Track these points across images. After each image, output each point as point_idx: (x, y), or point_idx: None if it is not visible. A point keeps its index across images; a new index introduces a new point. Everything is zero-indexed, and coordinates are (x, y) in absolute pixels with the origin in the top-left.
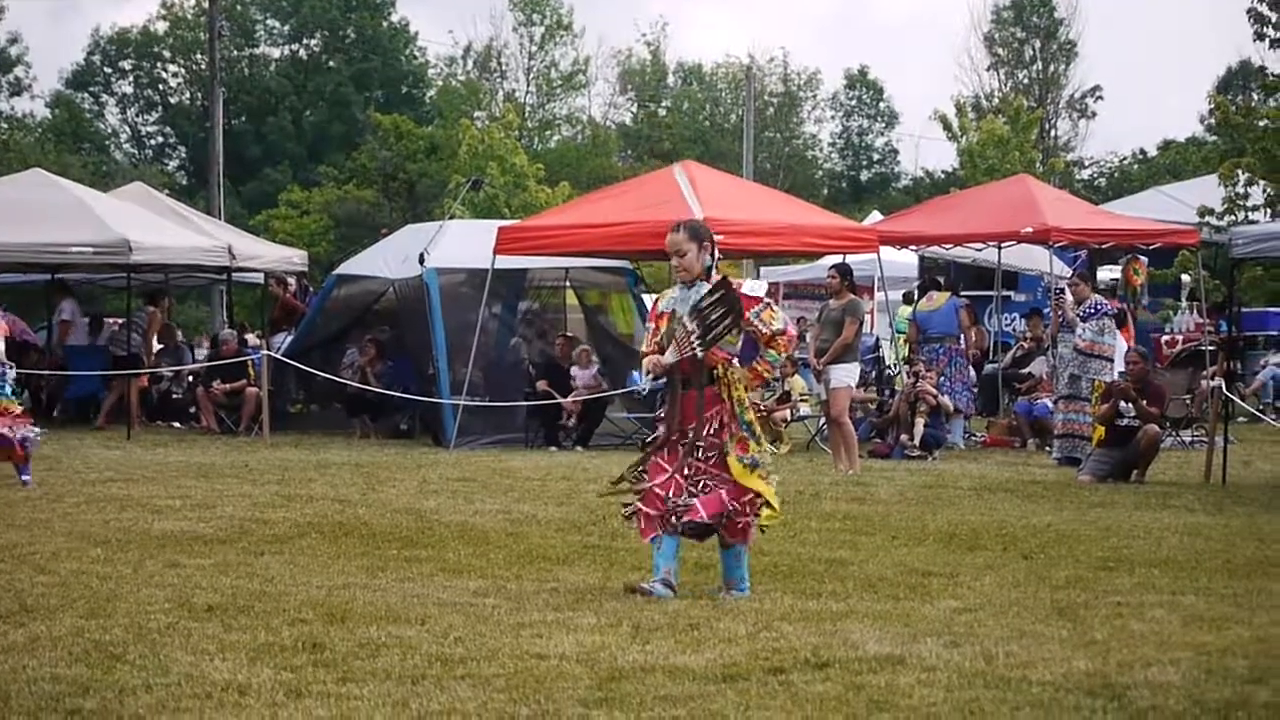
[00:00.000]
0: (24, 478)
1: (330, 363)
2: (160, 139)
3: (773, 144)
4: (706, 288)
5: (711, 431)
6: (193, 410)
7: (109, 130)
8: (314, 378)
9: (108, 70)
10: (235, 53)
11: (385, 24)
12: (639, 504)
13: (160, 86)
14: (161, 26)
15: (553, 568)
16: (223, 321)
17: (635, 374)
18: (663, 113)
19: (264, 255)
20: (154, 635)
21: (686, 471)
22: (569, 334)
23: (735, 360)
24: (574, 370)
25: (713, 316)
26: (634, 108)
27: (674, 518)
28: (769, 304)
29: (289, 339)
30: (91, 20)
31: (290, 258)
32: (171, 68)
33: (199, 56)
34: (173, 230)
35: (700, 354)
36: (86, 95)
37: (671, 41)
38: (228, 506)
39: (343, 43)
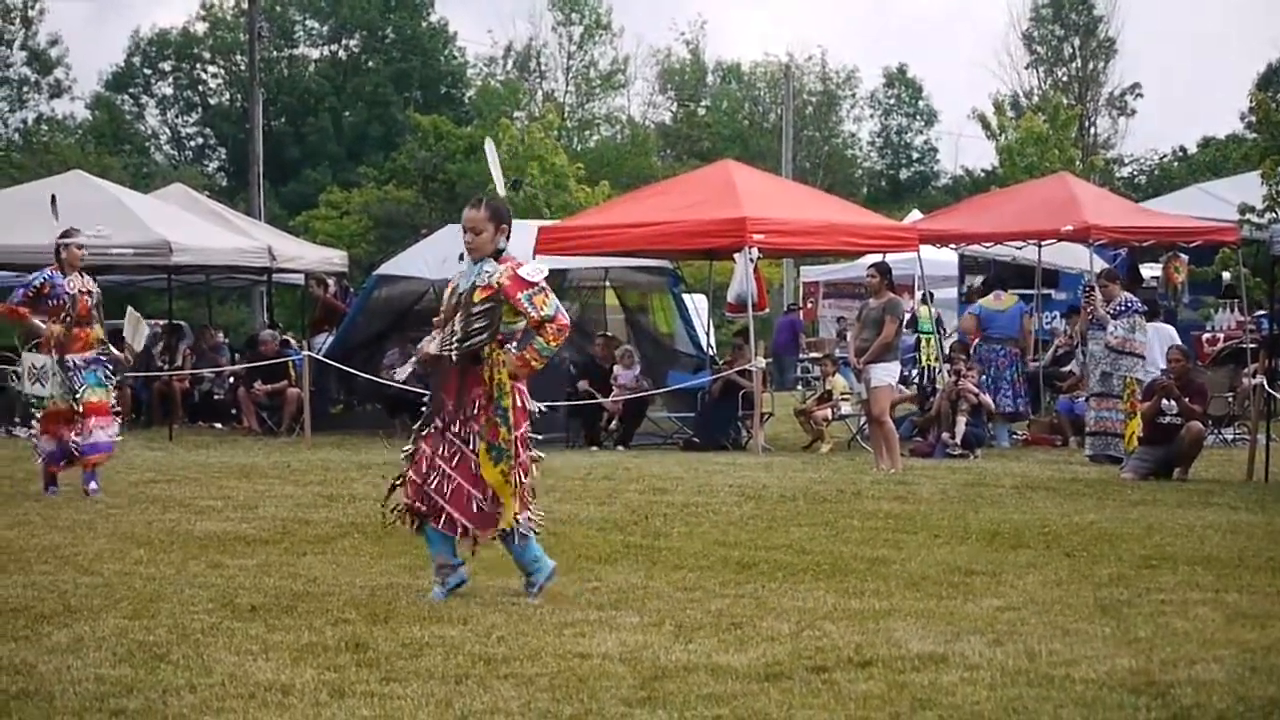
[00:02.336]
0: (90, 485)
1: (371, 363)
2: (200, 140)
3: (812, 143)
4: (490, 266)
5: (472, 412)
6: (234, 411)
7: (149, 132)
8: (355, 378)
9: (147, 72)
10: (274, 53)
11: (424, 24)
12: (404, 499)
13: (200, 88)
14: (201, 28)
15: (595, 567)
16: (263, 322)
17: (675, 373)
18: (702, 112)
19: (304, 256)
20: (197, 635)
21: (442, 451)
22: (609, 334)
23: (510, 345)
24: (616, 370)
25: (474, 325)
26: (673, 107)
27: (428, 500)
28: (544, 289)
29: (330, 340)
30: (131, 22)
31: (330, 258)
32: (211, 69)
33: (238, 57)
34: (213, 231)
35: (454, 358)
36: (126, 97)
37: (710, 40)
38: (270, 507)
39: (382, 43)
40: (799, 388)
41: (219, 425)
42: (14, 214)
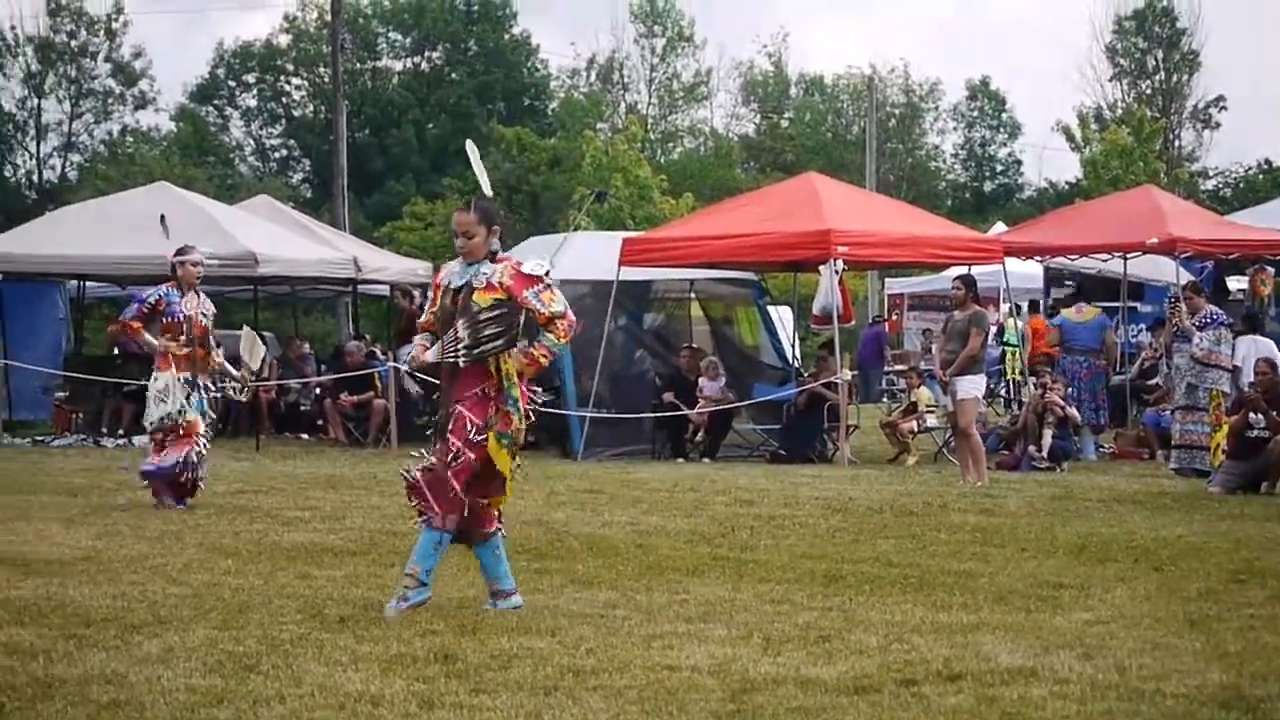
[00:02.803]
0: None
1: None
2: (284, 152)
3: (895, 155)
4: (488, 267)
5: (474, 403)
6: (320, 422)
7: (233, 143)
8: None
9: (232, 84)
10: (358, 66)
11: (507, 36)
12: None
13: (284, 99)
14: (285, 39)
15: (682, 579)
16: (349, 334)
17: (760, 385)
18: (785, 124)
19: (389, 267)
20: (286, 646)
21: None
22: (695, 346)
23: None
24: (701, 382)
25: (486, 331)
26: (756, 119)
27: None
28: (549, 285)
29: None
30: (215, 34)
31: (415, 270)
32: (295, 81)
33: (322, 69)
34: (298, 243)
35: (463, 364)
36: (211, 109)
37: (793, 53)
38: (357, 518)
39: (465, 55)
40: (884, 400)
41: (305, 436)
42: (100, 226)
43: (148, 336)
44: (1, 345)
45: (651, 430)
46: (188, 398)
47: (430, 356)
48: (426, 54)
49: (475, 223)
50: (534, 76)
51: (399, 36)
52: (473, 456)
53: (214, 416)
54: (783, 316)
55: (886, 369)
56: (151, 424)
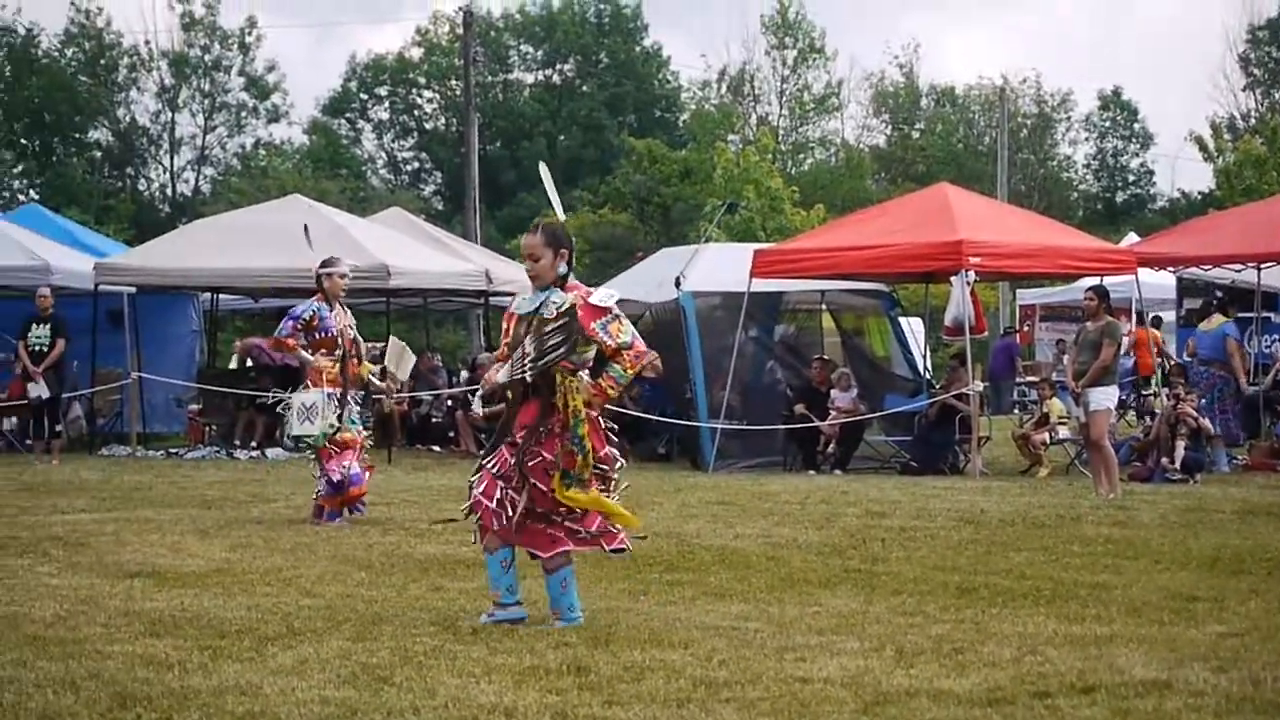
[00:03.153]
0: (336, 519)
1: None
2: (416, 164)
3: (1027, 166)
4: (558, 296)
5: (538, 442)
6: (452, 434)
7: (365, 156)
8: None
9: (364, 96)
10: (489, 78)
11: (638, 48)
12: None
13: (416, 112)
14: (417, 53)
15: (814, 591)
16: (480, 345)
17: (892, 396)
18: (916, 135)
19: (520, 279)
20: (420, 658)
21: (511, 477)
22: (826, 357)
23: (583, 372)
24: (833, 393)
25: (549, 343)
26: (888, 130)
27: (505, 515)
28: (618, 315)
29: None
30: (348, 47)
31: None
32: (427, 94)
33: (454, 82)
34: (430, 255)
35: (529, 379)
36: (343, 121)
37: (924, 64)
38: None
39: (596, 67)
40: (1016, 411)
41: (437, 448)
42: (233, 239)
43: (303, 353)
44: (135, 358)
45: (783, 442)
46: (339, 414)
47: (500, 377)
48: (558, 66)
49: (541, 245)
50: (665, 88)
51: (530, 49)
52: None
53: (369, 430)
54: (914, 327)
55: (1018, 380)
56: (291, 438)
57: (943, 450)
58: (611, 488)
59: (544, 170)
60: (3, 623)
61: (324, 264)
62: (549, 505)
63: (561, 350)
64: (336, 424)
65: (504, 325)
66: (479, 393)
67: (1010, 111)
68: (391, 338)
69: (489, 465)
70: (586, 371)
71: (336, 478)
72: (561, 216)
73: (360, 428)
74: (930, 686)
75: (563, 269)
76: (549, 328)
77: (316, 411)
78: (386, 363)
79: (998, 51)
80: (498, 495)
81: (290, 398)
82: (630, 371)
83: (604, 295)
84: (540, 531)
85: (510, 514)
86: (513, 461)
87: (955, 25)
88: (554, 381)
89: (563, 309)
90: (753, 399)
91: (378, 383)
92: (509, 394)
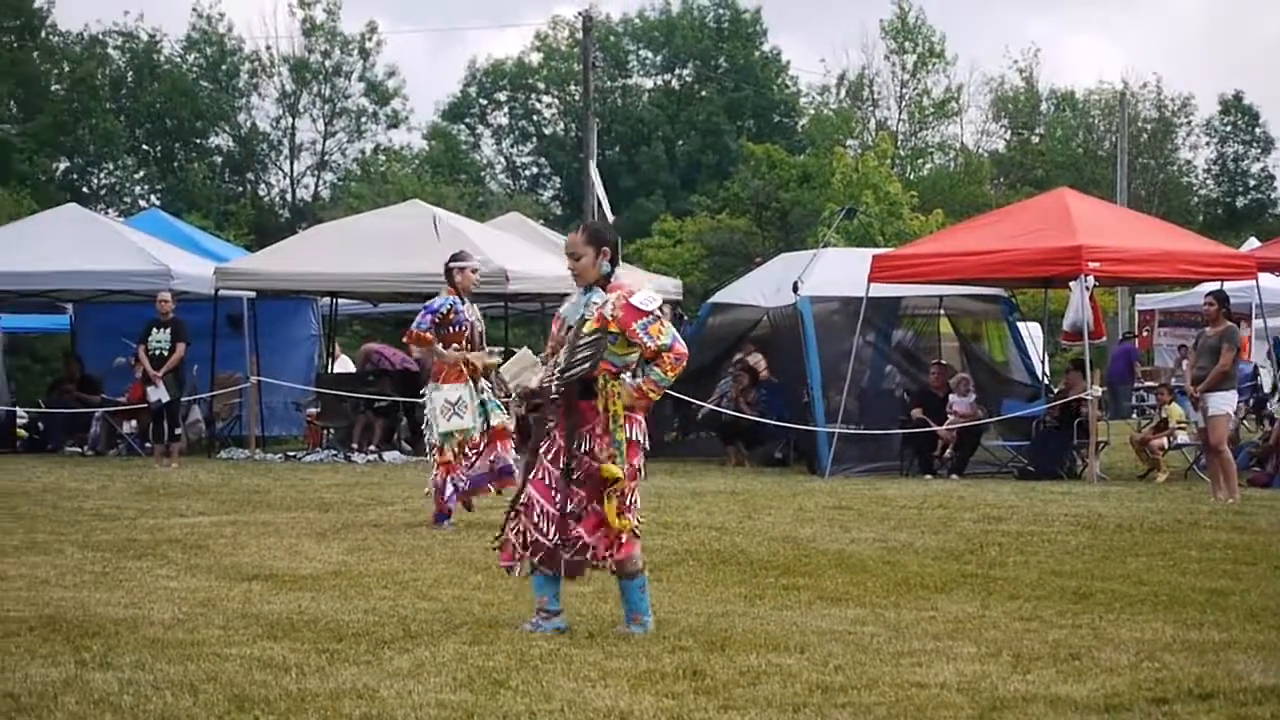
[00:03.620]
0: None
1: (705, 391)
2: (535, 170)
3: (1147, 170)
4: (598, 296)
5: (584, 450)
6: None
7: (484, 161)
8: (688, 405)
9: (483, 102)
10: (609, 83)
11: (757, 53)
12: (510, 534)
13: (535, 117)
14: (536, 58)
15: (931, 596)
16: None
17: (1010, 401)
18: (1036, 140)
19: (634, 282)
20: (536, 662)
21: (567, 505)
22: (944, 362)
23: (626, 375)
24: (950, 398)
25: (577, 356)
26: (1007, 135)
27: (562, 554)
28: (659, 317)
29: None
30: (467, 52)
31: (665, 286)
32: (546, 99)
33: (573, 87)
34: (549, 260)
35: (556, 391)
36: (462, 126)
37: (1044, 68)
38: None
39: (715, 72)
40: (1134, 416)
41: None
42: (352, 244)
43: (439, 347)
44: (254, 362)
45: (900, 446)
46: (481, 405)
47: (533, 383)
48: (677, 71)
49: (583, 243)
50: (784, 93)
51: (650, 54)
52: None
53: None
54: (1032, 332)
55: (1137, 385)
56: (440, 437)
57: (1060, 455)
58: (630, 504)
59: (593, 170)
60: (122, 625)
61: (454, 258)
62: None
63: (585, 366)
64: (479, 415)
65: (552, 328)
66: (514, 395)
67: (1130, 116)
68: (526, 350)
69: (543, 498)
70: (629, 374)
71: (475, 474)
72: (610, 217)
73: (506, 414)
74: (1047, 692)
75: (606, 268)
76: (581, 340)
77: (464, 405)
78: (503, 369)
79: (1118, 56)
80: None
81: (432, 396)
82: (671, 374)
83: (645, 297)
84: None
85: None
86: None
87: (1075, 29)
88: (594, 384)
89: (592, 328)
90: (870, 404)
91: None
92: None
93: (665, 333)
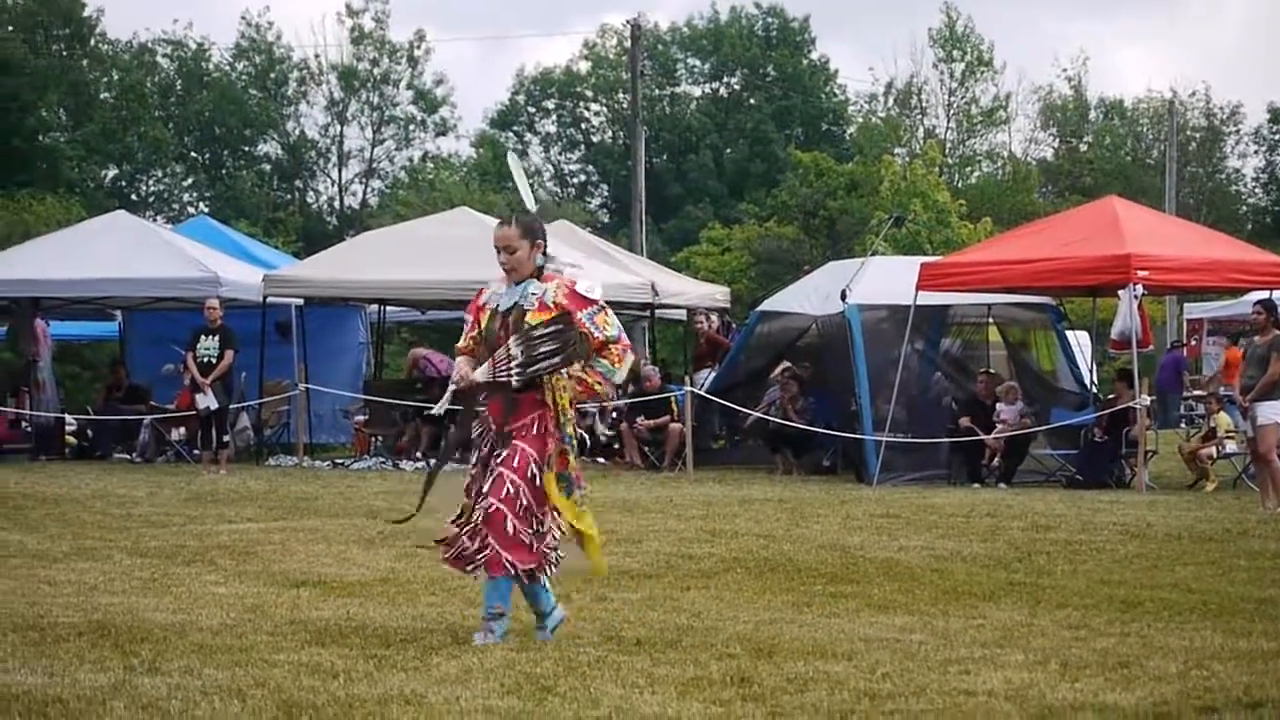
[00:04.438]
0: None
1: (753, 399)
2: (583, 177)
3: (1195, 179)
4: (536, 286)
5: (533, 435)
6: (617, 446)
7: (532, 169)
8: (737, 413)
9: (531, 110)
10: (656, 91)
11: (805, 61)
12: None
13: (583, 125)
14: (584, 66)
15: (978, 604)
16: (645, 358)
17: (1058, 409)
18: (1084, 148)
19: (686, 292)
20: (584, 668)
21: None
22: (992, 370)
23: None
24: (999, 406)
25: (543, 349)
26: (1055, 143)
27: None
28: (603, 307)
29: (712, 375)
30: (516, 60)
31: (713, 294)
32: (594, 107)
33: (621, 95)
34: (597, 267)
35: (516, 384)
36: (510, 134)
37: (1092, 77)
38: (653, 541)
39: (763, 80)
40: (1182, 426)
41: (601, 460)
42: (401, 251)
43: None
44: (303, 369)
45: (948, 455)
46: None
47: (479, 376)
48: (725, 79)
49: (517, 237)
50: (832, 101)
51: (698, 62)
52: (530, 497)
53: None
54: (1080, 341)
55: (1185, 394)
56: None
57: (1109, 464)
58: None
59: (513, 159)
60: (170, 631)
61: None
62: (517, 507)
63: (555, 360)
64: None
65: (469, 317)
66: (451, 387)
67: (1179, 124)
68: None
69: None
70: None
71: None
72: (532, 207)
73: None
74: (1096, 700)
75: (540, 260)
76: (539, 332)
77: None
78: None
79: (1166, 64)
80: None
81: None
82: (618, 366)
83: (589, 285)
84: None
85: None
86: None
87: (1124, 38)
88: (542, 378)
89: (539, 318)
90: (918, 412)
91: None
92: (481, 395)
93: (611, 324)
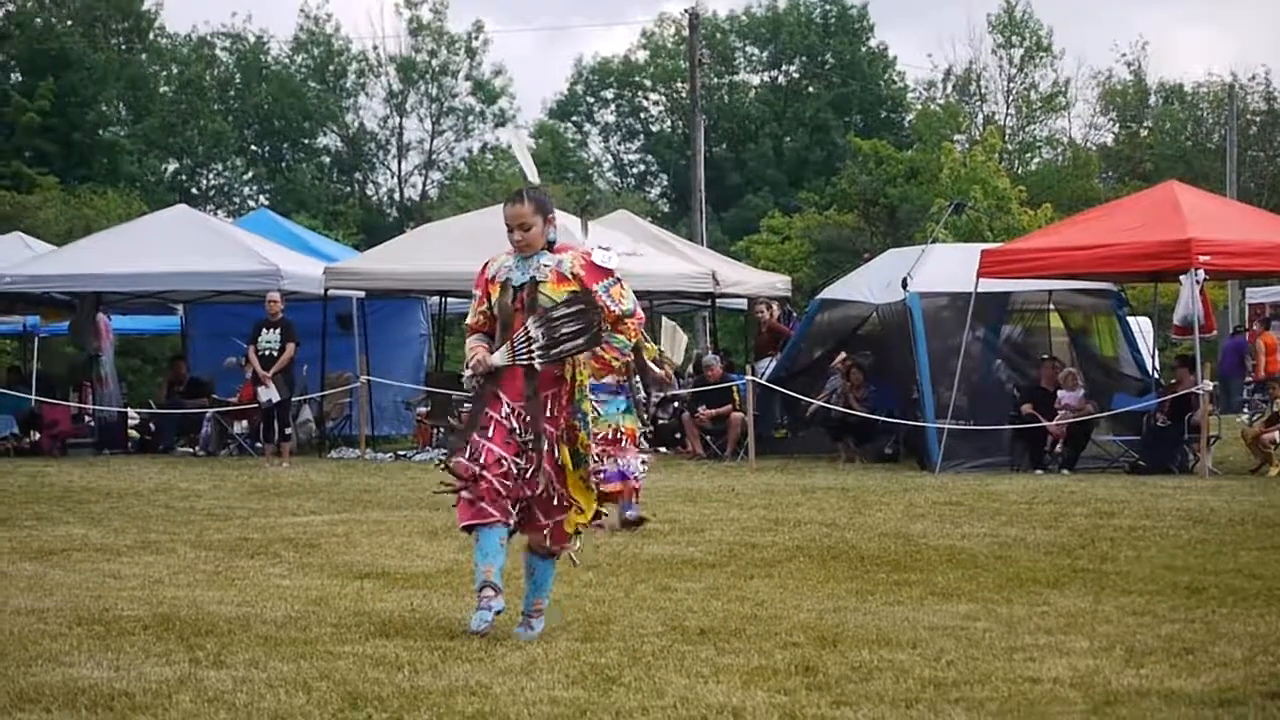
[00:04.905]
0: (629, 513)
1: (814, 388)
2: (642, 167)
3: (1256, 163)
4: (548, 258)
5: (547, 413)
6: (678, 435)
7: (592, 159)
8: (798, 402)
9: (590, 100)
10: (715, 80)
11: (864, 49)
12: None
13: (642, 115)
14: (642, 56)
15: (1042, 591)
16: (706, 347)
17: (1120, 395)
18: (1144, 133)
19: (747, 281)
20: (648, 658)
21: (517, 456)
22: (1053, 357)
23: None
24: (1060, 393)
25: (565, 329)
26: (1115, 128)
27: (509, 502)
28: (619, 279)
29: (773, 364)
30: (574, 50)
31: (773, 283)
32: (653, 96)
33: (680, 85)
34: (657, 257)
35: (539, 366)
36: (569, 125)
37: (1152, 62)
38: (716, 530)
39: (822, 68)
40: (1245, 411)
41: (664, 450)
42: (461, 242)
43: None
44: (364, 361)
45: (1010, 442)
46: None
47: (497, 359)
48: (784, 67)
49: (531, 213)
50: (891, 88)
51: (756, 50)
52: (550, 473)
53: (648, 420)
54: (1142, 327)
55: (1248, 379)
56: None
57: (1171, 450)
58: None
59: (514, 134)
60: (235, 623)
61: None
62: (562, 487)
63: (579, 341)
64: (599, 413)
65: (477, 291)
66: (467, 370)
67: (1239, 109)
68: (664, 319)
69: (490, 436)
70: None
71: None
72: (535, 180)
73: (641, 417)
74: (1161, 687)
75: (552, 234)
76: (560, 313)
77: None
78: (662, 346)
79: (1226, 48)
80: (507, 466)
81: None
82: (634, 340)
83: (605, 256)
84: (550, 521)
85: (521, 488)
86: (521, 437)
87: (1183, 22)
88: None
89: (557, 290)
90: (980, 399)
91: (656, 370)
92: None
93: (627, 296)
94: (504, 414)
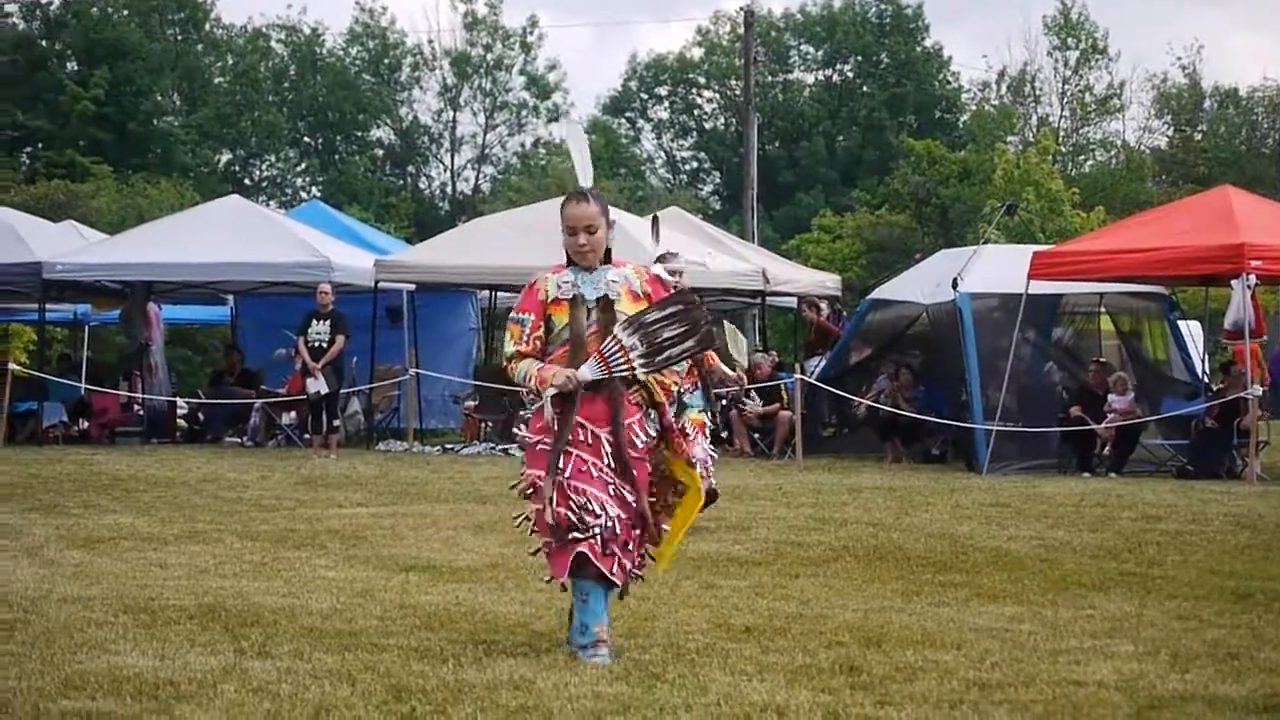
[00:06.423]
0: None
1: (863, 387)
2: (695, 164)
3: None
4: (614, 273)
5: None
6: (725, 433)
7: (644, 155)
8: (847, 401)
9: (644, 96)
10: (769, 78)
11: (919, 49)
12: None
13: (695, 112)
14: (697, 53)
15: (1088, 594)
16: (756, 345)
17: (1171, 400)
18: (1198, 137)
19: (798, 279)
20: (692, 655)
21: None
22: (1103, 360)
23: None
24: (1109, 396)
25: (668, 333)
26: (1169, 132)
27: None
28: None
29: (823, 363)
30: (629, 46)
31: (824, 282)
32: (706, 93)
33: (734, 82)
34: (716, 256)
35: (642, 376)
36: (623, 120)
37: (1207, 65)
38: (762, 529)
39: (876, 68)
40: None
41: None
42: (512, 237)
43: None
44: (414, 354)
45: (1058, 444)
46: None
47: (586, 374)
48: (838, 66)
49: (598, 214)
50: (945, 89)
51: (811, 49)
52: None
53: (715, 415)
54: (1193, 331)
55: None
56: None
57: (1220, 454)
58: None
59: (572, 129)
60: (280, 614)
61: (660, 259)
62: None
63: (689, 343)
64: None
65: (529, 316)
66: (550, 393)
67: None
68: (725, 322)
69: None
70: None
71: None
72: (587, 182)
73: (708, 410)
74: (1206, 692)
75: (611, 239)
76: (654, 316)
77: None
78: (728, 349)
79: None
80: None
81: None
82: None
83: (669, 270)
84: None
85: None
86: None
87: (1239, 26)
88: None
89: (638, 294)
90: (1028, 401)
91: (728, 372)
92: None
93: None
94: (590, 441)
